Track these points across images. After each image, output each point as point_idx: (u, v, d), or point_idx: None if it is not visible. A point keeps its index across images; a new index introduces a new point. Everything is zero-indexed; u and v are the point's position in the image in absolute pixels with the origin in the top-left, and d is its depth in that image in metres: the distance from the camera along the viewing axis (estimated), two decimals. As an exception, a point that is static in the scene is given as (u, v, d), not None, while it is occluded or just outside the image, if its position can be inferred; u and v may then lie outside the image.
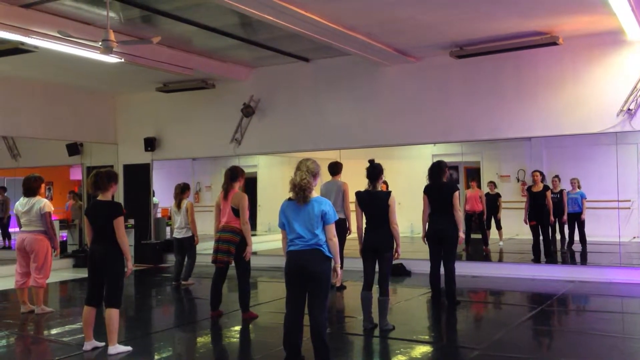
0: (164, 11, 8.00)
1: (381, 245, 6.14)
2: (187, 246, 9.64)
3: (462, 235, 7.33)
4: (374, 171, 6.26)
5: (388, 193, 6.26)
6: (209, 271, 9.65)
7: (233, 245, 6.83)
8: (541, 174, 10.36)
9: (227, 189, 6.98)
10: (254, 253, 7.06)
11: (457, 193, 7.30)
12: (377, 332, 6.17)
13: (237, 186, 7.03)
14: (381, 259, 6.17)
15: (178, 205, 9.70)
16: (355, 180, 7.68)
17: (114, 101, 13.39)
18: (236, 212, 6.85)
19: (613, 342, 5.79)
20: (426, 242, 7.48)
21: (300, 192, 4.75)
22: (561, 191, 11.01)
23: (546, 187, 10.26)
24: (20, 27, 7.75)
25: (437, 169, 7.47)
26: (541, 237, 10.22)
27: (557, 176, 11.14)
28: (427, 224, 7.46)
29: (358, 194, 6.33)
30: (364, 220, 6.36)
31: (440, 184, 7.39)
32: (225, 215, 6.92)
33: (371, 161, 6.34)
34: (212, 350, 6.00)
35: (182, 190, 9.76)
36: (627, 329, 6.53)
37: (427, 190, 7.47)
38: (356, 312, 7.22)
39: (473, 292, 8.51)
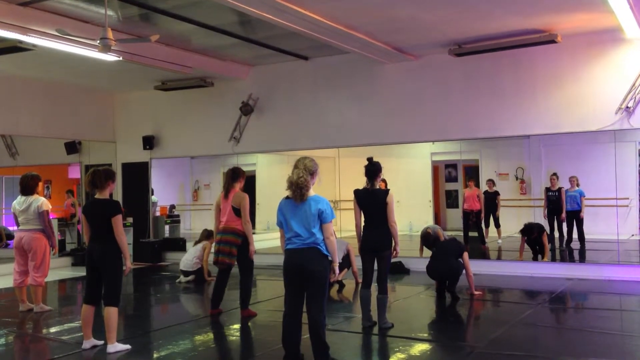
0: (162, 9, 7.99)
1: (380, 243, 6.13)
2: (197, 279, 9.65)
3: (476, 292, 7.83)
4: (373, 169, 6.23)
5: (386, 191, 6.24)
6: (211, 269, 9.67)
7: (235, 246, 6.83)
8: (539, 228, 10.14)
9: (227, 188, 6.97)
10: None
11: (466, 253, 7.79)
12: (376, 330, 6.18)
13: (238, 186, 7.01)
14: (380, 257, 6.15)
15: (197, 243, 9.92)
16: (353, 178, 7.68)
17: (113, 99, 13.37)
18: (237, 211, 6.85)
19: (611, 339, 5.80)
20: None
21: (297, 191, 4.75)
22: (559, 189, 11.00)
23: (541, 232, 10.06)
24: (18, 25, 7.73)
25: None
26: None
27: (555, 174, 11.12)
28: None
29: (356, 192, 6.30)
30: (363, 219, 6.36)
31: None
32: (225, 214, 6.92)
33: (370, 159, 6.32)
34: (211, 348, 6.00)
35: (207, 236, 9.81)
36: (625, 327, 6.54)
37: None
38: (355, 310, 7.23)
39: (472, 290, 8.52)
